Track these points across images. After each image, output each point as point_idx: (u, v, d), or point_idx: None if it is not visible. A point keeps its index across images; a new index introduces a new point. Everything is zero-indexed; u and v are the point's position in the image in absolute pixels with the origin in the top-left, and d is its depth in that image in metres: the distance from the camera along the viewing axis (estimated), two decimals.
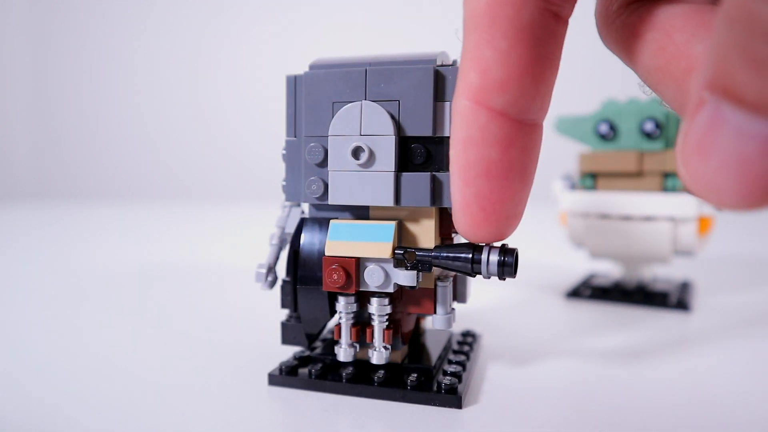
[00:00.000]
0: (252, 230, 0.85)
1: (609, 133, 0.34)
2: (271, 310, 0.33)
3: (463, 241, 0.20)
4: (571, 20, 0.15)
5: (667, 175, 0.33)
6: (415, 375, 0.20)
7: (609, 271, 0.43)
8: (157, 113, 1.97)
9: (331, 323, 0.24)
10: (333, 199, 0.19)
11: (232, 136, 1.84)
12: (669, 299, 0.33)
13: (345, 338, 0.20)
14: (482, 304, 0.34)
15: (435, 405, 0.19)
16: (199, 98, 1.93)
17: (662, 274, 0.42)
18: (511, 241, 0.19)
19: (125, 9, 1.99)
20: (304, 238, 0.21)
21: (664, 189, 0.34)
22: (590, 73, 1.59)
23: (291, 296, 0.21)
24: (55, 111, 2.06)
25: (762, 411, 0.19)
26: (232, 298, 0.37)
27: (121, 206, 1.37)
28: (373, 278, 0.19)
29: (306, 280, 0.20)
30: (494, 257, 0.18)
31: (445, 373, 0.21)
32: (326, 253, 0.19)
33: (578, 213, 0.36)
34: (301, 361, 0.22)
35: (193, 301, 0.36)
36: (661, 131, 0.33)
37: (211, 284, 0.42)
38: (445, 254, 0.18)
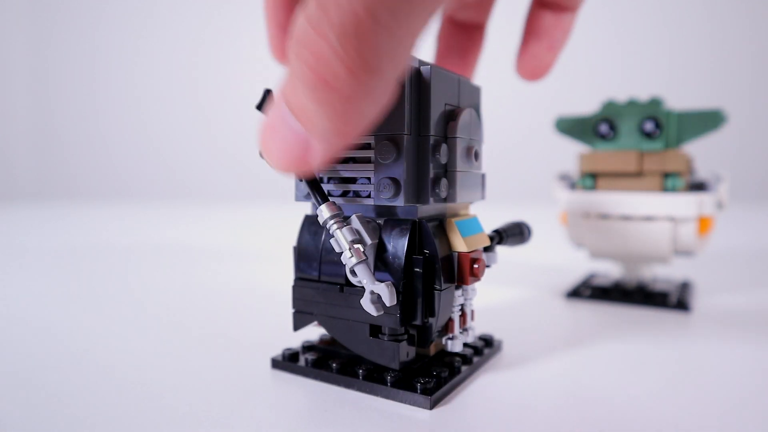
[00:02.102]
0: (251, 229, 0.85)
1: (609, 133, 0.34)
2: (267, 304, 0.33)
3: None
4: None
5: (667, 175, 0.34)
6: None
7: (609, 271, 0.43)
8: (157, 113, 1.97)
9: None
10: (460, 198, 0.21)
11: (233, 136, 1.84)
12: (669, 299, 0.33)
13: (458, 329, 0.21)
14: (482, 304, 0.34)
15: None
16: (199, 98, 1.93)
17: (662, 274, 0.42)
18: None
19: (125, 9, 1.99)
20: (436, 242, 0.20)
21: (664, 189, 0.34)
22: (590, 73, 1.59)
23: (423, 305, 0.20)
24: (55, 111, 2.06)
25: (763, 411, 0.19)
26: (232, 295, 0.37)
27: (121, 206, 1.37)
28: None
29: (450, 280, 0.21)
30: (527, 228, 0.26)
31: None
32: (467, 249, 0.21)
33: (578, 213, 0.36)
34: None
35: (192, 296, 0.36)
36: (660, 131, 0.33)
37: (211, 283, 0.42)
38: (510, 230, 0.25)
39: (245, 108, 1.80)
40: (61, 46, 2.03)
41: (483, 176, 0.23)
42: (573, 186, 0.37)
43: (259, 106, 0.21)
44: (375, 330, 0.21)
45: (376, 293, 0.19)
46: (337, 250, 0.19)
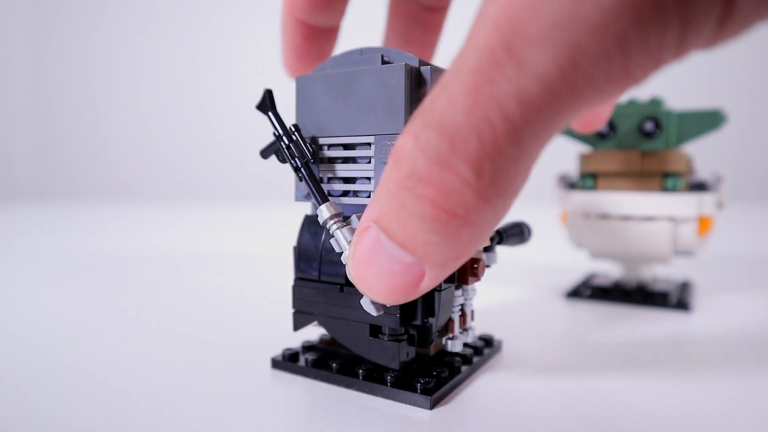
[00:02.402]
0: (251, 229, 0.85)
1: (609, 133, 0.34)
2: (268, 304, 0.33)
3: None
4: None
5: (666, 175, 0.34)
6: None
7: (609, 271, 0.43)
8: (157, 113, 1.97)
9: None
10: None
11: (233, 136, 1.84)
12: (669, 299, 0.33)
13: (458, 329, 0.21)
14: (482, 303, 0.34)
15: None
16: (199, 98, 1.93)
17: (662, 274, 0.42)
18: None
19: (125, 9, 1.99)
20: None
21: (664, 189, 0.34)
22: None
23: (423, 306, 0.20)
24: (55, 111, 2.06)
25: (762, 411, 0.19)
26: (231, 296, 0.37)
27: (121, 206, 1.37)
28: None
29: (450, 280, 0.21)
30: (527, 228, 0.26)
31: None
32: None
33: (578, 213, 0.36)
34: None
35: (192, 296, 0.36)
36: (660, 131, 0.33)
37: (210, 283, 0.42)
38: (510, 231, 0.25)
39: (245, 108, 1.80)
40: (61, 46, 2.03)
41: None
42: (573, 186, 0.37)
43: (259, 106, 0.21)
44: (375, 330, 0.21)
45: None
46: (337, 250, 0.19)
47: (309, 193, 0.20)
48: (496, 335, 0.27)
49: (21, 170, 2.00)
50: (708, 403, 0.20)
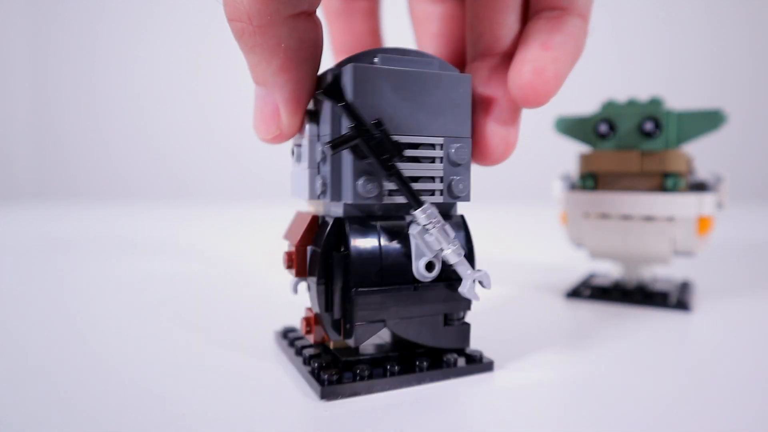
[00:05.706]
0: (252, 228, 0.85)
1: (608, 133, 0.34)
2: (271, 305, 0.32)
3: None
4: None
5: (667, 175, 0.33)
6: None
7: (609, 271, 0.43)
8: (157, 113, 1.97)
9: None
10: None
11: (233, 136, 1.84)
12: (669, 299, 0.33)
13: None
14: (482, 303, 0.34)
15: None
16: (199, 98, 1.93)
17: (662, 274, 0.42)
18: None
19: (125, 9, 1.99)
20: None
21: (664, 189, 0.34)
22: (590, 73, 1.59)
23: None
24: (55, 111, 2.06)
25: (762, 411, 0.19)
26: (232, 292, 0.37)
27: (121, 206, 1.37)
28: None
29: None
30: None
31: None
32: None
33: (578, 213, 0.36)
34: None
35: (193, 296, 0.36)
36: (660, 131, 0.33)
37: (211, 281, 0.42)
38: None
39: (245, 108, 1.80)
40: (61, 46, 2.03)
41: None
42: (573, 186, 0.37)
43: (332, 93, 0.19)
44: (446, 319, 0.22)
45: (477, 280, 0.20)
46: (436, 247, 0.20)
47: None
48: (496, 335, 0.27)
49: (21, 170, 2.00)
50: (708, 404, 0.20)
